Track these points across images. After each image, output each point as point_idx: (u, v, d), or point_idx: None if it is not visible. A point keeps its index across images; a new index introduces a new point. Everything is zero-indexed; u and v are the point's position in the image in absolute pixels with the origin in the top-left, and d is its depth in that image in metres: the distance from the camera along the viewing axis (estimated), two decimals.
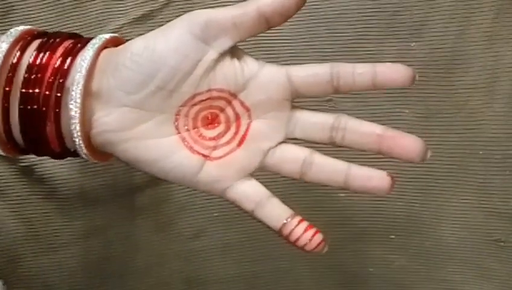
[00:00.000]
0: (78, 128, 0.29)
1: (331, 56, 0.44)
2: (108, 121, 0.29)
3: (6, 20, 0.44)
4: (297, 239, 0.31)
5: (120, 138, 0.29)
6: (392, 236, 0.47)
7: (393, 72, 0.30)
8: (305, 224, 0.31)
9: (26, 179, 0.46)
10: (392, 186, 0.31)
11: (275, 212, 0.31)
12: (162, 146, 0.30)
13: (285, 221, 0.31)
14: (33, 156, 0.46)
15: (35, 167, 0.46)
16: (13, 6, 0.44)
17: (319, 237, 0.31)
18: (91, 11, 0.45)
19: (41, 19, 0.44)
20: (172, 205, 0.47)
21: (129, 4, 0.45)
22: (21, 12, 0.44)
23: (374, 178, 0.31)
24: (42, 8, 0.44)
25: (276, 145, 0.31)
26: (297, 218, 0.31)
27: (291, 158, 0.31)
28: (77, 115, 0.28)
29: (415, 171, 0.46)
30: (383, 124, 0.45)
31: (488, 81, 0.44)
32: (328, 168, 0.31)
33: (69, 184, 0.46)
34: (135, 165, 0.30)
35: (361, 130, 0.31)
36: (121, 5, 0.45)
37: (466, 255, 0.47)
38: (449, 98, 0.45)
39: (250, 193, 0.31)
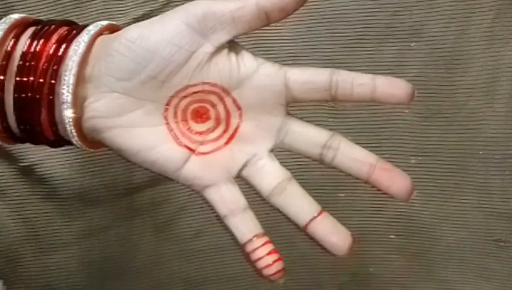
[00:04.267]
0: (69, 114, 0.28)
1: (331, 56, 0.44)
2: (97, 106, 0.29)
3: None
4: (258, 260, 0.30)
5: (108, 124, 0.29)
6: (392, 236, 0.47)
7: (392, 87, 0.29)
8: (270, 247, 0.30)
9: (26, 179, 0.46)
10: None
11: (245, 225, 0.31)
12: (149, 136, 0.30)
13: (251, 238, 0.30)
14: (33, 156, 0.46)
15: (35, 167, 0.46)
16: (13, 6, 0.44)
17: (279, 265, 0.30)
18: (91, 11, 0.45)
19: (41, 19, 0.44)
20: (172, 205, 0.47)
21: (129, 4, 0.45)
22: (21, 12, 0.44)
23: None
24: (42, 8, 0.44)
25: (261, 155, 0.31)
26: (265, 239, 0.30)
27: (267, 177, 0.31)
28: (69, 99, 0.28)
29: (414, 171, 0.46)
30: (383, 124, 0.45)
31: (488, 81, 0.44)
32: (296, 203, 0.30)
33: (69, 184, 0.46)
34: (121, 153, 0.30)
35: (354, 155, 0.30)
36: (121, 5, 0.45)
37: (466, 255, 0.47)
38: (449, 98, 0.45)
39: (228, 198, 0.31)
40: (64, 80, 0.28)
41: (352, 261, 0.48)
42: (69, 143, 0.31)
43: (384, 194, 0.30)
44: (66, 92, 0.28)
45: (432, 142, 0.45)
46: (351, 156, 0.30)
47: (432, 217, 0.47)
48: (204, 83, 0.29)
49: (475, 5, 0.43)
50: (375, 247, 0.48)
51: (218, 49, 0.29)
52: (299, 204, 0.31)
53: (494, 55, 0.44)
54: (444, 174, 0.46)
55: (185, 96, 0.30)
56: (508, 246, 0.46)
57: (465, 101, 0.44)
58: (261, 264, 0.30)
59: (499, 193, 0.45)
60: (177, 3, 0.44)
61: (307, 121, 0.31)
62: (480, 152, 0.45)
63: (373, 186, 0.30)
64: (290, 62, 0.45)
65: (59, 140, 0.30)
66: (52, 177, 0.46)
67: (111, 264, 0.48)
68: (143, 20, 0.44)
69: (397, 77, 0.44)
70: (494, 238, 0.46)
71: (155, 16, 0.44)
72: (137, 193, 0.47)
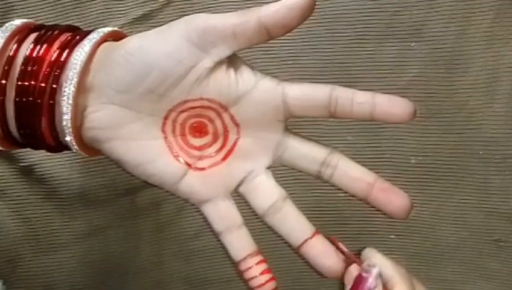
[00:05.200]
0: (69, 124, 0.28)
1: (331, 56, 0.44)
2: (96, 117, 0.29)
3: (6, 20, 0.44)
4: (251, 279, 0.30)
5: (106, 136, 0.29)
6: (392, 236, 0.47)
7: (392, 106, 0.28)
8: (263, 266, 0.30)
9: (26, 179, 0.46)
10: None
11: (240, 243, 0.30)
12: (147, 149, 0.29)
13: (245, 256, 0.30)
14: (33, 156, 0.46)
15: (35, 167, 0.46)
16: (13, 6, 0.44)
17: (272, 285, 0.30)
18: (91, 11, 0.45)
19: (41, 19, 0.44)
20: (172, 205, 0.47)
21: (129, 4, 0.45)
22: (21, 12, 0.44)
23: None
24: (42, 8, 0.44)
25: (258, 171, 0.30)
26: (258, 258, 0.30)
27: (263, 195, 0.30)
28: (68, 111, 0.28)
29: (414, 171, 0.46)
30: (383, 124, 0.45)
31: (488, 81, 0.44)
32: (290, 223, 0.30)
33: (69, 184, 0.46)
34: (119, 164, 0.30)
35: (352, 174, 0.30)
36: (121, 5, 0.45)
37: (466, 255, 0.47)
38: (449, 98, 0.45)
39: (224, 214, 0.30)
40: (65, 90, 0.28)
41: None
42: (69, 149, 0.31)
43: (383, 214, 0.30)
44: (66, 103, 0.28)
45: (432, 142, 0.45)
46: (349, 174, 0.30)
47: (431, 217, 0.47)
48: (202, 99, 0.29)
49: (475, 5, 0.43)
50: (375, 247, 0.48)
51: (218, 64, 0.28)
52: (293, 225, 0.30)
53: (494, 55, 0.44)
54: (444, 174, 0.46)
55: (184, 111, 0.29)
56: (508, 246, 0.46)
57: (465, 101, 0.44)
58: (253, 283, 0.30)
59: (499, 193, 0.45)
60: (177, 3, 0.45)
61: (306, 138, 0.31)
62: (480, 152, 0.45)
63: (372, 206, 0.30)
64: (290, 62, 0.45)
65: (59, 145, 0.30)
66: (52, 177, 0.46)
67: (111, 264, 0.48)
68: (143, 20, 0.45)
69: (397, 77, 0.45)
70: (494, 238, 0.46)
71: (155, 16, 0.45)
72: (137, 193, 0.47)
